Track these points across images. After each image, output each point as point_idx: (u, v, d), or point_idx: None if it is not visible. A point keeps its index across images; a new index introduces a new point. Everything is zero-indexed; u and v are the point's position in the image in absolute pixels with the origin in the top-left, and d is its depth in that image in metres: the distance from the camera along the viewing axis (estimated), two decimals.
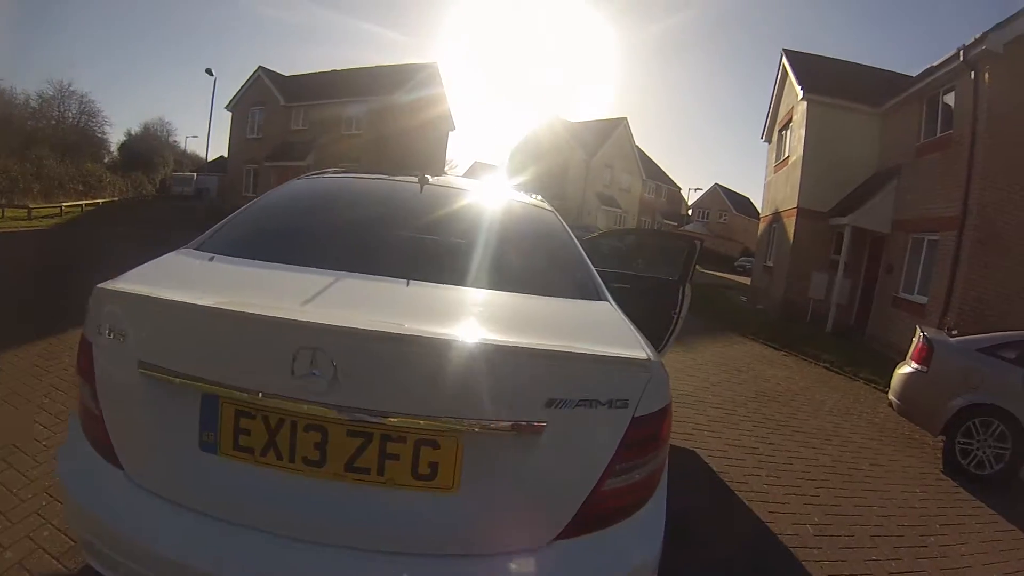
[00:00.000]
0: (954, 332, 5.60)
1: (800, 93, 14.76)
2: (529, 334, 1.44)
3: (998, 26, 9.52)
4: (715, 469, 4.17)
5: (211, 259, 1.81)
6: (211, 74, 30.00)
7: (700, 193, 62.03)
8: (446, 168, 37.82)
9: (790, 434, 5.26)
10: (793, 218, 14.94)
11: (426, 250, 2.13)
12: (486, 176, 36.65)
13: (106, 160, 43.81)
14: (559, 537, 1.37)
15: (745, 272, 32.15)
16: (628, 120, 42.62)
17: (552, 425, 1.32)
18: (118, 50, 79.12)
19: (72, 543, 2.29)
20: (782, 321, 13.48)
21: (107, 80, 73.05)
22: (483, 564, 1.34)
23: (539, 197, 3.01)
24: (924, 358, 5.24)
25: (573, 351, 1.40)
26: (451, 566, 1.33)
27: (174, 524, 1.35)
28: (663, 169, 56.88)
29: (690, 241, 4.76)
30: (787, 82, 16.91)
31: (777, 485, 4.02)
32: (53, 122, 40.38)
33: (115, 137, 49.21)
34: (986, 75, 9.69)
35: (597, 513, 1.40)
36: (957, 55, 10.22)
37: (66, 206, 26.11)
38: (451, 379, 1.30)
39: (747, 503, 3.67)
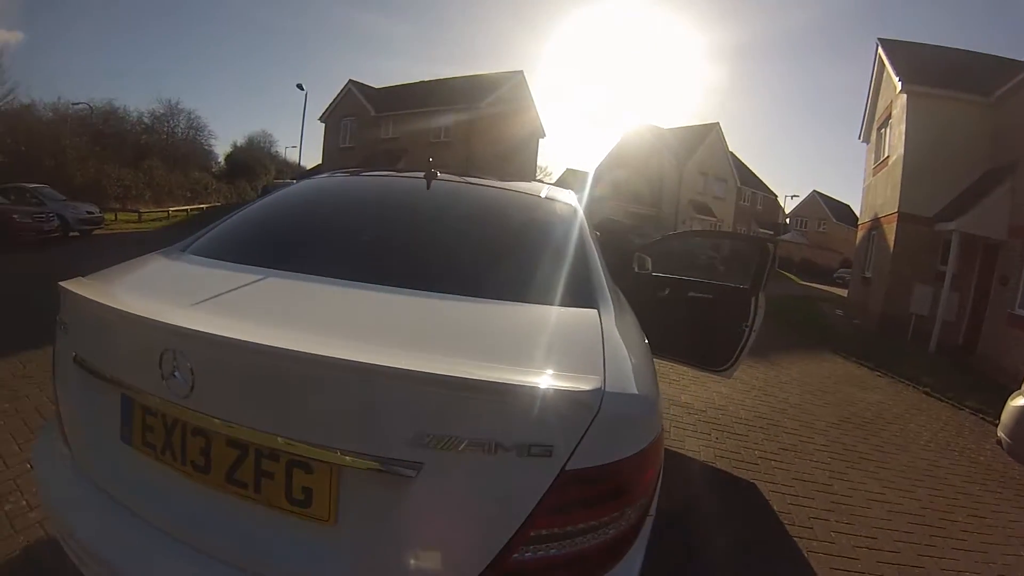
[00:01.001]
0: None
1: (899, 85, 13.51)
2: (433, 352, 1.20)
3: None
4: (775, 508, 3.67)
5: (180, 260, 1.87)
6: (302, 88, 31.81)
7: (797, 200, 59.25)
8: (539, 175, 38.16)
9: (873, 471, 4.59)
10: (894, 224, 13.67)
11: (395, 252, 1.95)
12: (576, 183, 36.52)
13: (213, 169, 48.44)
14: None
15: (844, 284, 30.19)
16: (720, 125, 41.57)
17: (433, 467, 1.10)
18: (224, 71, 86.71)
19: None
20: (880, 338, 12.33)
21: (213, 97, 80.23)
22: None
23: (569, 192, 2.75)
24: None
25: (458, 376, 1.09)
26: None
27: (94, 507, 1.39)
28: (758, 176, 54.64)
29: (762, 244, 4.35)
30: (884, 75, 15.61)
31: (847, 534, 3.45)
32: (164, 136, 45.23)
33: (222, 149, 54.50)
34: None
35: None
36: None
37: (172, 210, 29.57)
38: (311, 398, 1.16)
39: (805, 554, 3.16)
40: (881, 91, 16.63)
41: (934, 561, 3.28)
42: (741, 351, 4.04)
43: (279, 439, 1.17)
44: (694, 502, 3.63)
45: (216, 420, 1.21)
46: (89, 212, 17.98)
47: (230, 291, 1.51)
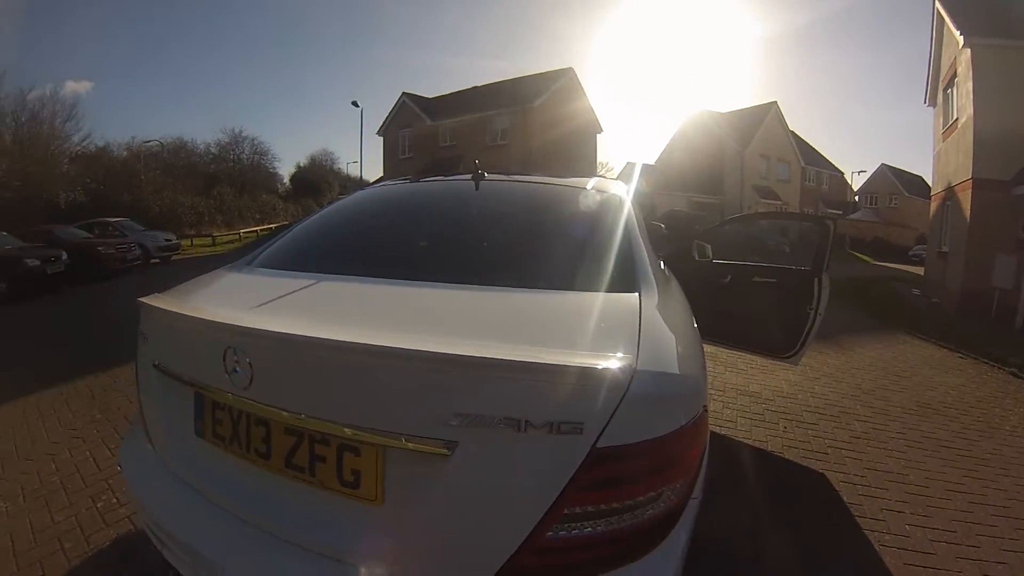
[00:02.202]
0: None
1: (960, 40, 12.57)
2: (469, 338, 1.27)
3: None
4: (845, 499, 3.51)
5: (245, 272, 2.07)
6: (357, 105, 33.11)
7: (866, 176, 56.60)
8: (600, 170, 38.06)
9: (953, 459, 4.29)
10: (968, 192, 12.73)
11: (440, 250, 2.09)
12: (638, 176, 36.20)
13: (280, 191, 51.39)
14: None
15: (921, 262, 28.56)
16: (778, 104, 40.13)
17: (466, 445, 1.17)
18: (281, 95, 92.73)
19: None
20: (960, 316, 11.54)
21: (277, 125, 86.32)
22: None
23: (619, 183, 2.75)
24: None
25: (482, 355, 1.15)
26: None
27: (173, 493, 1.57)
28: (822, 154, 52.57)
29: (821, 222, 4.20)
30: (945, 30, 14.62)
31: (923, 527, 3.24)
32: (231, 164, 48.16)
33: (286, 170, 58.19)
34: None
35: (546, 563, 1.17)
36: None
37: (243, 232, 31.95)
38: (356, 384, 1.27)
39: (877, 548, 3.00)
40: (944, 49, 15.55)
41: (1019, 557, 3.03)
42: (807, 335, 3.93)
43: (330, 424, 1.29)
44: (760, 493, 3.56)
45: (273, 409, 1.36)
46: (167, 239, 19.79)
47: (287, 295, 1.68)
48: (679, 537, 1.28)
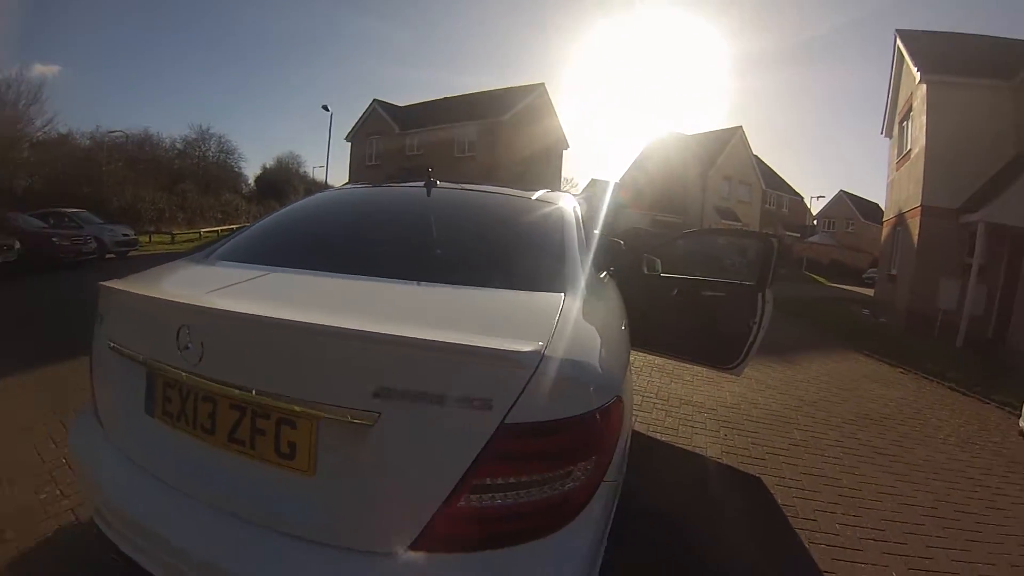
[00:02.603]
0: None
1: (917, 76, 13.19)
2: (393, 321, 1.37)
3: None
4: (779, 501, 3.54)
5: (204, 263, 2.14)
6: (327, 109, 32.38)
7: (824, 201, 58.54)
8: (564, 186, 38.29)
9: (887, 465, 4.38)
10: (917, 218, 13.29)
11: (387, 248, 2.18)
12: (601, 193, 36.80)
13: (244, 191, 49.59)
14: (413, 548, 1.26)
15: (874, 284, 29.73)
16: (743, 129, 41.09)
17: (388, 417, 1.26)
18: (252, 95, 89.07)
19: None
20: (906, 335, 11.96)
21: (244, 123, 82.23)
22: (329, 556, 1.30)
23: (567, 195, 2.92)
24: None
25: (405, 336, 1.27)
26: (302, 551, 1.31)
27: (124, 474, 1.60)
28: (783, 178, 54.00)
29: (767, 240, 4.31)
30: (904, 66, 15.25)
31: (853, 526, 3.29)
32: (196, 160, 46.35)
33: (251, 171, 55.54)
34: None
35: (460, 531, 1.26)
36: None
37: (204, 231, 30.69)
38: (294, 360, 1.36)
39: (807, 545, 3.02)
40: (902, 83, 16.24)
41: (944, 552, 3.09)
42: (750, 348, 4.01)
43: (273, 400, 1.36)
44: (697, 495, 3.57)
45: (219, 385, 1.42)
46: (125, 235, 18.83)
47: (239, 283, 1.75)
48: (590, 516, 1.35)
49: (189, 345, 1.45)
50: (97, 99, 57.49)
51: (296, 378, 1.35)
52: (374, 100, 34.69)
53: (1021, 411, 4.58)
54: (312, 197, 2.99)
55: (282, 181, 54.02)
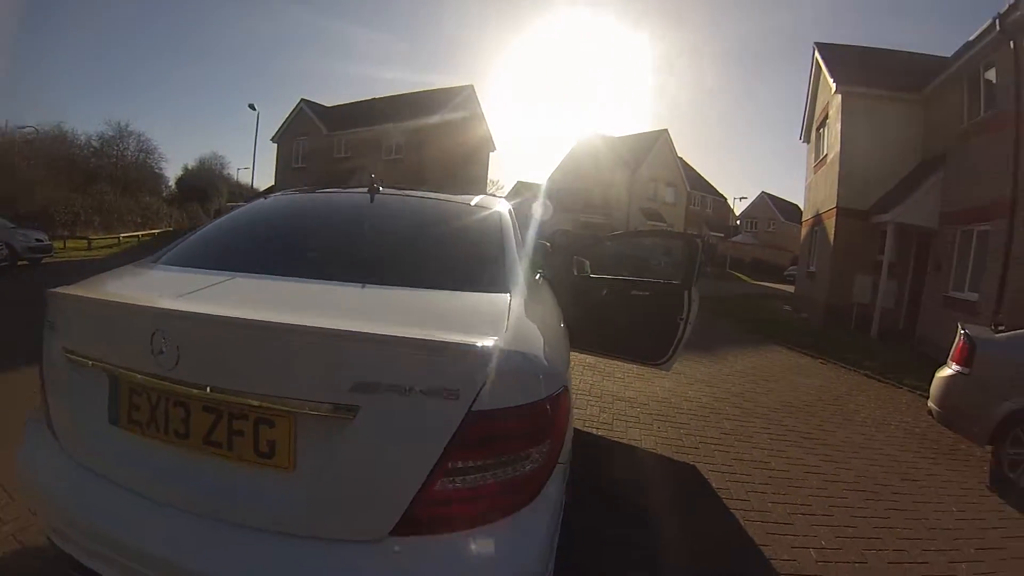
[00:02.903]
0: (1001, 328, 4.85)
1: (834, 87, 13.97)
2: (359, 320, 1.44)
3: None
4: (714, 485, 3.69)
5: (154, 269, 2.11)
6: (253, 108, 31.25)
7: (747, 202, 60.57)
8: (490, 188, 38.08)
9: (811, 447, 4.66)
10: (833, 219, 14.07)
11: (339, 253, 2.23)
12: (526, 195, 36.83)
13: (164, 194, 46.55)
14: (394, 533, 1.32)
15: (794, 281, 31.16)
16: (669, 132, 41.63)
17: (367, 410, 1.32)
18: (173, 91, 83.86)
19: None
20: (824, 329, 12.64)
21: (164, 121, 77.03)
22: (314, 548, 1.34)
23: (501, 200, 3.01)
24: (965, 358, 4.52)
25: (379, 333, 1.35)
26: (286, 546, 1.34)
27: (86, 487, 1.55)
28: (708, 180, 55.62)
29: (691, 240, 4.49)
30: (821, 77, 16.08)
31: (783, 503, 3.48)
32: (113, 160, 43.08)
33: (173, 172, 52.19)
34: None
35: (436, 513, 1.33)
36: (993, 25, 9.40)
37: (123, 236, 28.31)
38: (273, 360, 1.38)
39: (742, 523, 3.18)
40: (819, 93, 17.15)
41: (866, 520, 3.33)
42: (678, 343, 4.13)
43: (252, 401, 1.37)
44: (634, 483, 3.65)
45: (196, 388, 1.41)
46: (38, 240, 16.70)
47: (205, 287, 1.73)
48: (550, 494, 1.47)
49: (164, 349, 1.42)
50: (5, 90, 53.26)
51: (276, 377, 1.38)
52: (301, 100, 33.47)
53: (929, 393, 4.94)
54: (258, 202, 2.97)
55: (205, 183, 51.03)
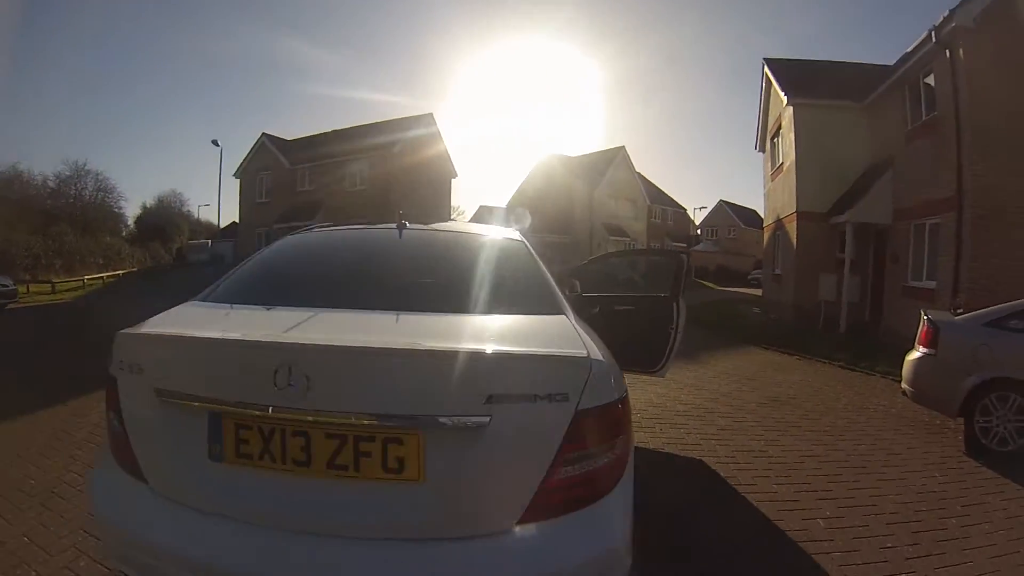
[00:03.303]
0: (959, 311, 5.36)
1: (785, 99, 14.81)
2: (473, 342, 1.63)
3: (965, 0, 9.50)
4: (723, 475, 4.01)
5: (214, 307, 2.17)
6: (217, 144, 31.55)
7: (706, 212, 61.96)
8: (453, 215, 38.21)
9: (801, 434, 5.05)
10: (794, 223, 14.78)
11: (398, 285, 2.35)
12: (490, 219, 37.00)
13: (124, 233, 45.49)
14: (521, 522, 1.49)
15: (758, 284, 31.74)
16: (626, 148, 42.44)
17: (496, 419, 1.47)
18: (127, 128, 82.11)
19: (107, 570, 2.49)
20: (795, 327, 13.18)
21: (120, 158, 75.84)
22: (452, 546, 1.47)
23: (514, 229, 3.29)
24: (931, 341, 5.02)
25: (505, 351, 1.57)
26: (423, 549, 1.47)
27: (192, 526, 1.56)
28: (667, 193, 56.69)
29: (677, 256, 4.83)
30: (772, 90, 16.97)
31: (786, 484, 3.83)
32: (71, 200, 41.93)
33: (131, 211, 51.00)
34: (961, 51, 9.62)
35: (555, 500, 1.52)
36: (929, 37, 10.19)
37: (88, 278, 27.67)
38: (404, 383, 1.50)
39: (755, 504, 3.51)
40: (771, 105, 18.04)
41: (862, 491, 3.72)
42: (670, 351, 4.37)
43: (382, 422, 1.47)
44: (651, 477, 3.89)
45: (324, 416, 1.48)
46: (3, 285, 16.30)
47: (303, 322, 1.77)
48: (629, 478, 1.72)
49: (292, 383, 1.47)
50: None
51: (409, 399, 1.49)
52: (263, 134, 33.43)
53: (901, 375, 5.40)
54: (289, 240, 3.02)
55: (165, 221, 50.50)
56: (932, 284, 10.38)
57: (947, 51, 9.93)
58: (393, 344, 1.58)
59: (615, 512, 1.62)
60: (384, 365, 1.52)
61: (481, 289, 2.34)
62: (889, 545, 2.96)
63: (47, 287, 23.64)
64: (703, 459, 4.34)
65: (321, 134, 34.00)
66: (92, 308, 17.15)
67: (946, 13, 9.64)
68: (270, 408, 1.49)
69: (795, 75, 15.70)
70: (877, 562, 2.79)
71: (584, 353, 1.61)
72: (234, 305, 2.17)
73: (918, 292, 10.82)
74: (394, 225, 2.87)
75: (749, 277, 40.40)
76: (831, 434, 5.05)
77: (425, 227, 3.04)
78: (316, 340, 1.56)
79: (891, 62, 12.59)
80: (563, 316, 2.11)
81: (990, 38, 9.35)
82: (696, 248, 54.48)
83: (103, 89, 75.83)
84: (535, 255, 2.75)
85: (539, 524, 1.50)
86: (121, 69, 77.48)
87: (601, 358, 1.65)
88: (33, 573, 2.55)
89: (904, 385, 5.32)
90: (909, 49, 11.36)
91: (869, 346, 10.17)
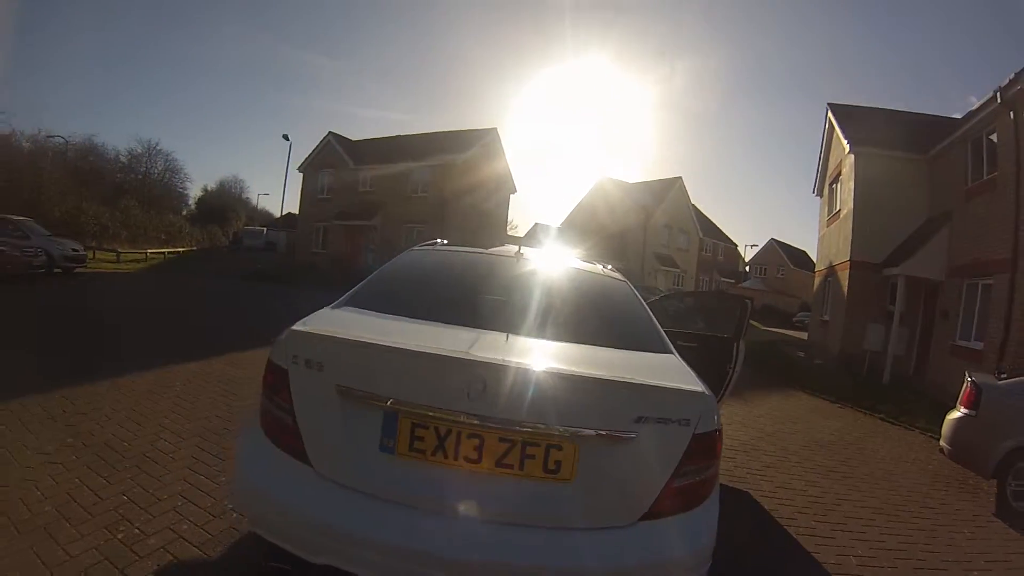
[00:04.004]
0: (1003, 375, 5.64)
1: (847, 147, 14.95)
2: (622, 372, 1.99)
3: None
4: (766, 507, 4.38)
5: (367, 314, 2.40)
6: (287, 139, 32.46)
7: (756, 249, 61.45)
8: (510, 230, 38.47)
9: (839, 479, 5.38)
10: (847, 271, 14.91)
11: (529, 312, 2.64)
12: (546, 238, 37.24)
13: (184, 212, 47.84)
14: (642, 519, 1.87)
15: (804, 327, 31.13)
16: (683, 179, 42.48)
17: (640, 435, 1.86)
18: (200, 111, 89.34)
19: (208, 535, 2.84)
20: (839, 374, 13.26)
21: (188, 138, 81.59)
22: (585, 535, 1.84)
23: (609, 266, 3.65)
24: (972, 402, 5.34)
25: (651, 383, 1.96)
26: (562, 535, 1.82)
27: (357, 506, 1.83)
28: (719, 227, 56.36)
29: (742, 301, 5.17)
30: (834, 136, 17.11)
31: (824, 522, 4.20)
32: (140, 176, 44.63)
33: (194, 192, 53.85)
34: None
35: (668, 504, 1.90)
36: (995, 97, 10.38)
37: (151, 252, 29.20)
38: (570, 401, 1.85)
39: (795, 536, 3.89)
40: (832, 150, 18.16)
41: (893, 537, 4.08)
42: (726, 388, 4.70)
43: (549, 430, 1.81)
44: None
45: (501, 424, 1.80)
46: (75, 250, 17.45)
47: (477, 341, 2.06)
48: (716, 492, 2.10)
49: (485, 395, 1.78)
50: (42, 99, 54.32)
51: (573, 413, 1.82)
52: (329, 132, 33.98)
53: (940, 434, 5.69)
54: (418, 255, 3.27)
55: (224, 206, 52.53)
56: (979, 345, 10.46)
57: (1011, 112, 10.09)
58: (564, 370, 1.89)
59: (708, 519, 2.01)
60: (557, 385, 1.84)
61: (605, 324, 2.77)
62: None
63: (112, 256, 24.84)
64: (749, 491, 4.71)
65: (386, 138, 34.76)
66: (152, 279, 18.04)
67: (1012, 75, 9.83)
68: (462, 415, 1.79)
69: (858, 122, 15.89)
70: None
71: (702, 389, 2.01)
72: (386, 314, 2.38)
73: (965, 352, 10.89)
74: (512, 252, 3.20)
75: (794, 319, 39.87)
76: (868, 482, 5.38)
77: (534, 257, 3.25)
78: (506, 360, 1.85)
79: (950, 113, 12.70)
80: (673, 355, 2.51)
81: None
82: (744, 285, 53.80)
83: (180, 70, 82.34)
84: (638, 295, 3.17)
85: (654, 522, 1.87)
86: (201, 54, 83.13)
87: (707, 393, 2.03)
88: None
89: (942, 443, 5.62)
90: (974, 107, 11.56)
91: (911, 400, 10.29)
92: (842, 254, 15.41)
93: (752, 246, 61.52)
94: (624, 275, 3.56)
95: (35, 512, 2.86)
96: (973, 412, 5.31)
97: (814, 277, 20.85)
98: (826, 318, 17.29)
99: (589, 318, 2.80)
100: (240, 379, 6.04)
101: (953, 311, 11.78)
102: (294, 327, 2.02)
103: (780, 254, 61.05)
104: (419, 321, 2.33)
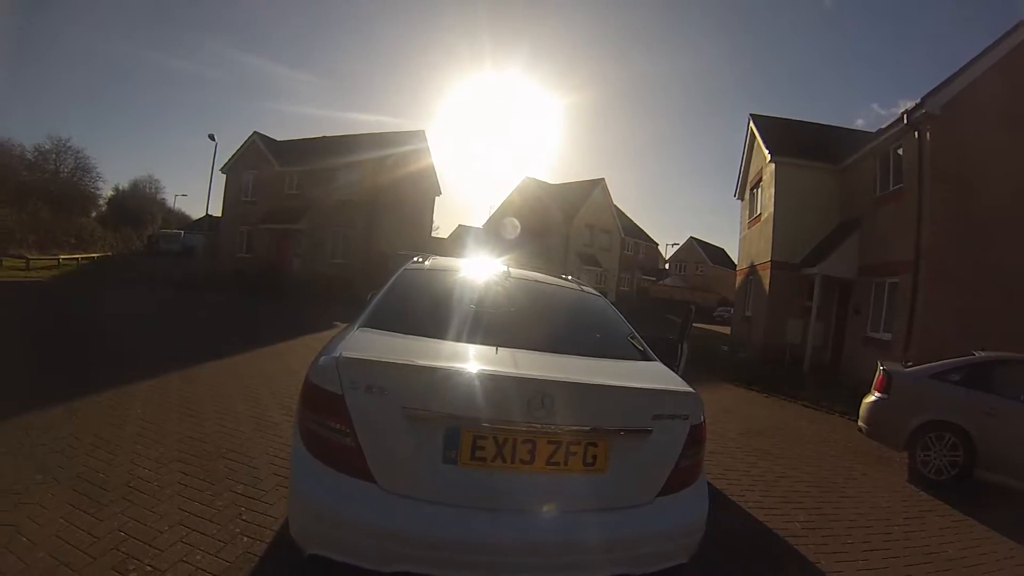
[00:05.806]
0: (909, 363, 6.49)
1: (768, 156, 15.98)
2: (637, 381, 2.49)
3: (934, 91, 10.78)
4: (719, 487, 4.84)
5: (390, 336, 2.51)
6: (213, 139, 30.16)
7: (676, 247, 63.67)
8: (433, 232, 37.89)
9: (776, 460, 5.99)
10: (768, 271, 15.89)
11: (537, 328, 2.89)
12: (468, 238, 36.67)
13: (94, 214, 44.13)
14: (659, 495, 2.30)
15: (724, 321, 32.39)
16: (605, 181, 42.80)
17: (655, 430, 2.28)
18: (112, 107, 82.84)
19: (226, 562, 2.85)
20: (763, 366, 14.09)
21: (98, 134, 75.35)
22: (619, 513, 2.23)
23: (583, 282, 4.09)
24: (884, 387, 6.12)
25: (663, 388, 2.47)
26: (602, 515, 2.20)
27: (426, 513, 2.00)
28: (640, 227, 57.78)
29: (686, 307, 5.78)
30: (755, 145, 18.16)
31: (769, 496, 4.74)
32: (47, 175, 40.78)
33: (105, 192, 49.45)
34: (927, 134, 10.84)
35: (674, 483, 2.34)
36: (902, 118, 11.46)
37: (63, 258, 26.78)
38: (602, 406, 2.24)
39: (747, 509, 4.39)
40: (753, 157, 19.28)
41: (828, 503, 4.71)
42: None
43: (588, 429, 2.16)
44: None
45: (553, 429, 2.10)
46: None
47: (519, 359, 2.36)
48: (704, 471, 2.59)
49: (544, 406, 2.06)
50: None
51: (609, 415, 2.20)
52: (254, 132, 32.25)
53: (859, 415, 6.44)
54: (419, 273, 3.38)
55: (138, 207, 49.30)
56: (888, 336, 11.56)
57: (915, 132, 11.19)
58: (600, 382, 2.29)
59: (702, 492, 2.48)
60: (594, 395, 2.23)
61: (605, 338, 3.12)
62: (850, 542, 3.92)
63: (21, 263, 22.73)
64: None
65: (313, 139, 33.18)
66: (66, 287, 16.35)
67: (918, 100, 10.97)
68: (521, 424, 2.07)
69: (778, 133, 17.01)
70: (840, 552, 3.74)
71: (693, 390, 2.47)
72: (410, 335, 2.52)
73: (876, 342, 11.99)
74: (500, 269, 3.40)
75: (715, 314, 41.36)
76: (800, 461, 6.03)
77: (521, 276, 3.51)
78: (555, 377, 2.18)
79: (854, 120, 13.92)
80: (659, 363, 2.91)
81: (953, 124, 10.59)
82: (664, 282, 55.41)
83: (96, 66, 76.12)
84: (616, 310, 3.53)
85: (665, 498, 2.30)
86: (116, 50, 77.41)
87: (695, 392, 2.46)
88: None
89: (860, 423, 6.38)
90: (883, 126, 12.75)
91: (829, 387, 11.17)
92: (763, 255, 16.42)
93: (673, 245, 64.00)
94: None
95: (29, 562, 2.58)
96: (885, 396, 6.08)
97: (734, 273, 21.94)
98: (749, 314, 18.31)
99: (589, 333, 3.18)
100: (199, 397, 5.74)
101: (864, 306, 12.91)
102: (345, 354, 2.10)
103: (699, 252, 63.43)
104: (444, 341, 2.51)
